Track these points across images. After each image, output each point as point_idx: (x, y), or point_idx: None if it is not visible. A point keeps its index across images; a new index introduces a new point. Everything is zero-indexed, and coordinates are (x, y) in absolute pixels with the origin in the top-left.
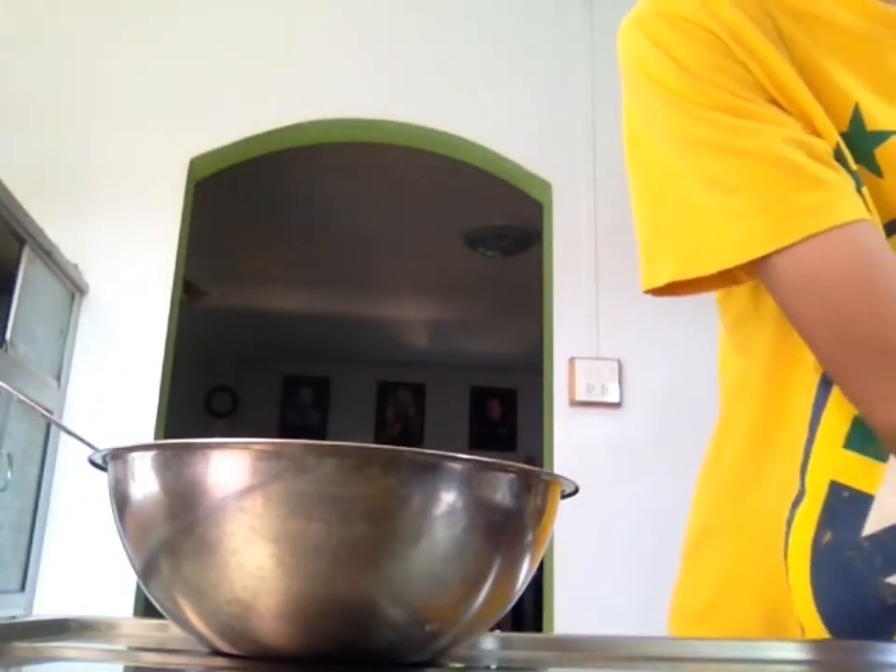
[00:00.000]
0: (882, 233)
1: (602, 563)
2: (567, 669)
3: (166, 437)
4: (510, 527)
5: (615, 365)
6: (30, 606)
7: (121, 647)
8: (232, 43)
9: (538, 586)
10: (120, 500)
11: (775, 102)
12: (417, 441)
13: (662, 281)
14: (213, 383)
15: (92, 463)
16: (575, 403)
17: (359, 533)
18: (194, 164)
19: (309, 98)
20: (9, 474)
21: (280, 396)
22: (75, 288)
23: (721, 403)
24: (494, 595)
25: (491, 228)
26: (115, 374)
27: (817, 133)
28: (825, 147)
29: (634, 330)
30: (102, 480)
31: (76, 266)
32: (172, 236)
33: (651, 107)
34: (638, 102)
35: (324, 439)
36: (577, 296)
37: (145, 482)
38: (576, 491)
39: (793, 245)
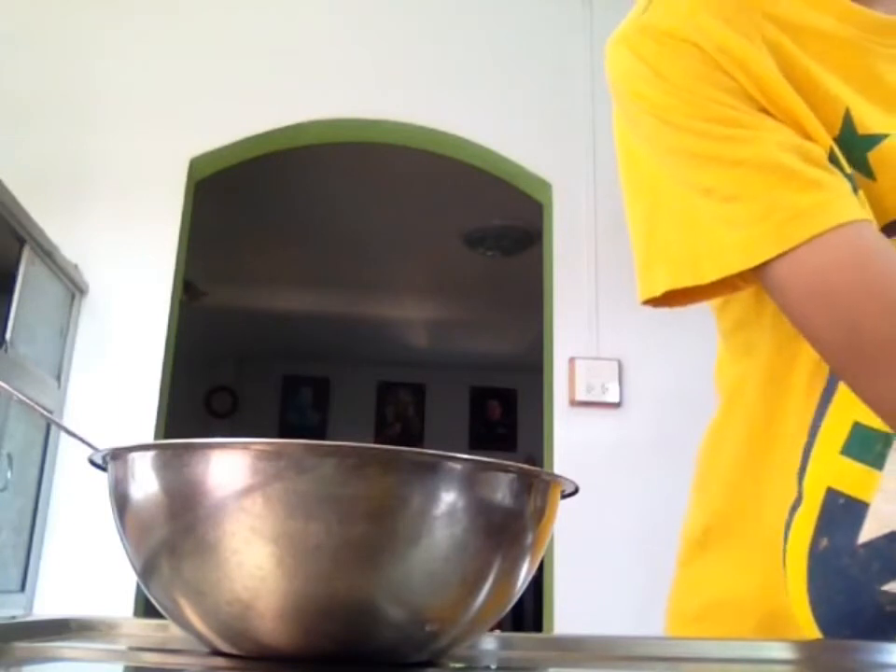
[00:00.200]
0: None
1: (602, 563)
2: (567, 669)
3: (166, 437)
4: (510, 527)
5: (615, 365)
6: (30, 606)
7: (121, 647)
8: (232, 43)
9: (538, 586)
10: (120, 500)
11: (765, 110)
12: (417, 441)
13: (659, 290)
14: (213, 383)
15: (92, 463)
16: (575, 403)
17: (359, 533)
18: (194, 164)
19: (309, 98)
20: (9, 474)
21: (280, 396)
22: (75, 288)
23: (717, 407)
24: (494, 595)
25: (491, 228)
26: (115, 374)
27: (810, 139)
28: (820, 151)
29: (634, 330)
30: (102, 480)
31: (76, 266)
32: (172, 236)
33: (641, 124)
34: (629, 118)
35: (324, 439)
36: (577, 296)
37: (145, 482)
38: (576, 491)
39: (794, 248)
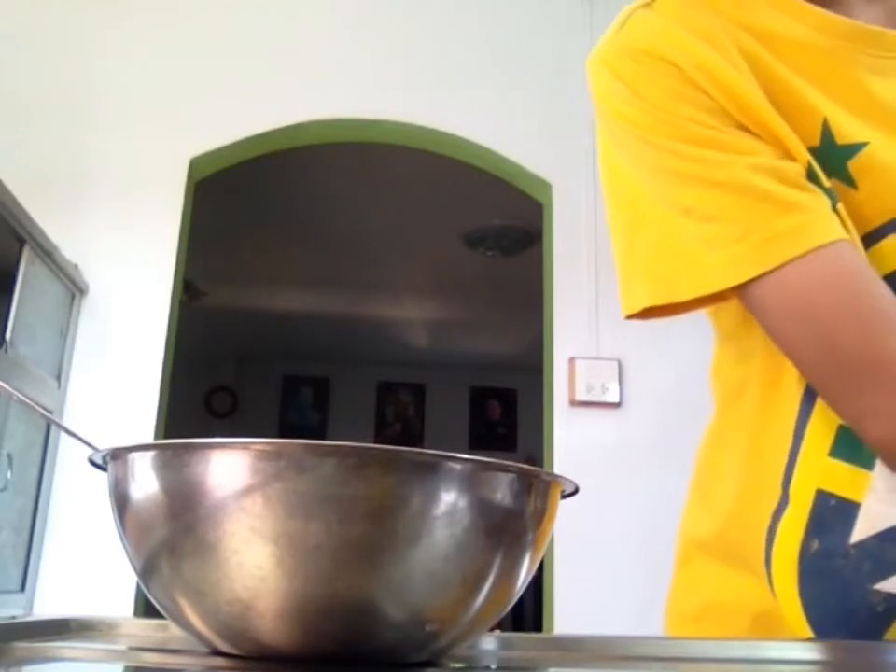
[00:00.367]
0: (861, 251)
1: (602, 563)
2: (567, 669)
3: (166, 437)
4: (510, 527)
5: (615, 365)
6: (30, 606)
7: (121, 647)
8: (232, 43)
9: (538, 586)
10: (120, 500)
11: (743, 126)
12: (417, 441)
13: (638, 307)
14: (213, 383)
15: (92, 463)
16: (575, 403)
17: (359, 533)
18: (194, 164)
19: (309, 98)
20: (9, 474)
21: (280, 396)
22: (75, 288)
23: (714, 410)
24: (494, 595)
25: (491, 228)
26: (115, 374)
27: (788, 153)
28: (796, 169)
29: (634, 330)
30: (102, 480)
31: (76, 266)
32: (172, 236)
33: (621, 142)
34: (612, 136)
35: (324, 439)
36: (577, 296)
37: (145, 482)
38: (576, 491)
39: (773, 270)
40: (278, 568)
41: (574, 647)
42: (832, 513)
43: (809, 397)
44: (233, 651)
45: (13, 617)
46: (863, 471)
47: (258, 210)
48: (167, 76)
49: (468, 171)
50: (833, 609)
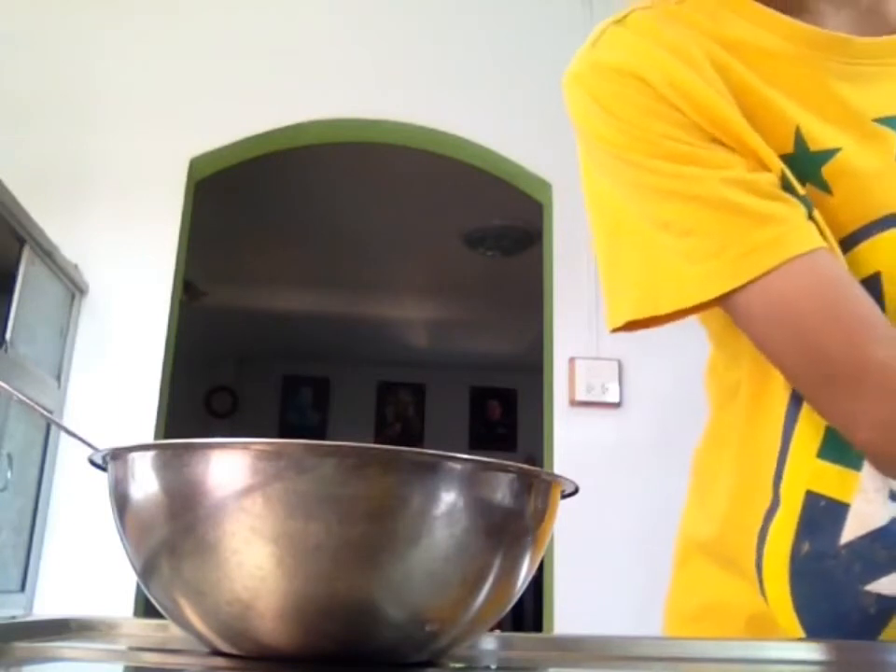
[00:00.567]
0: (840, 257)
1: (602, 563)
2: (567, 669)
3: (166, 437)
4: (510, 528)
5: (615, 365)
6: (30, 606)
7: (121, 647)
8: (232, 43)
9: (538, 586)
10: (120, 500)
11: (716, 140)
12: (417, 441)
13: (621, 321)
14: (213, 383)
15: (92, 463)
16: (575, 403)
17: (359, 533)
18: (194, 164)
19: (309, 98)
20: (9, 474)
21: (280, 396)
22: (75, 288)
23: (710, 413)
24: (494, 595)
25: (491, 228)
26: (115, 374)
27: (762, 164)
28: (769, 180)
29: None
30: (102, 480)
31: (76, 266)
32: (172, 236)
33: (600, 161)
34: (588, 155)
35: (324, 439)
36: (577, 296)
37: (145, 482)
38: (576, 491)
39: (751, 282)
40: (278, 568)
41: (574, 647)
42: (821, 514)
43: (796, 399)
44: (233, 651)
45: (13, 617)
46: (852, 472)
47: (258, 210)
48: (167, 76)
49: (468, 171)
50: (825, 612)
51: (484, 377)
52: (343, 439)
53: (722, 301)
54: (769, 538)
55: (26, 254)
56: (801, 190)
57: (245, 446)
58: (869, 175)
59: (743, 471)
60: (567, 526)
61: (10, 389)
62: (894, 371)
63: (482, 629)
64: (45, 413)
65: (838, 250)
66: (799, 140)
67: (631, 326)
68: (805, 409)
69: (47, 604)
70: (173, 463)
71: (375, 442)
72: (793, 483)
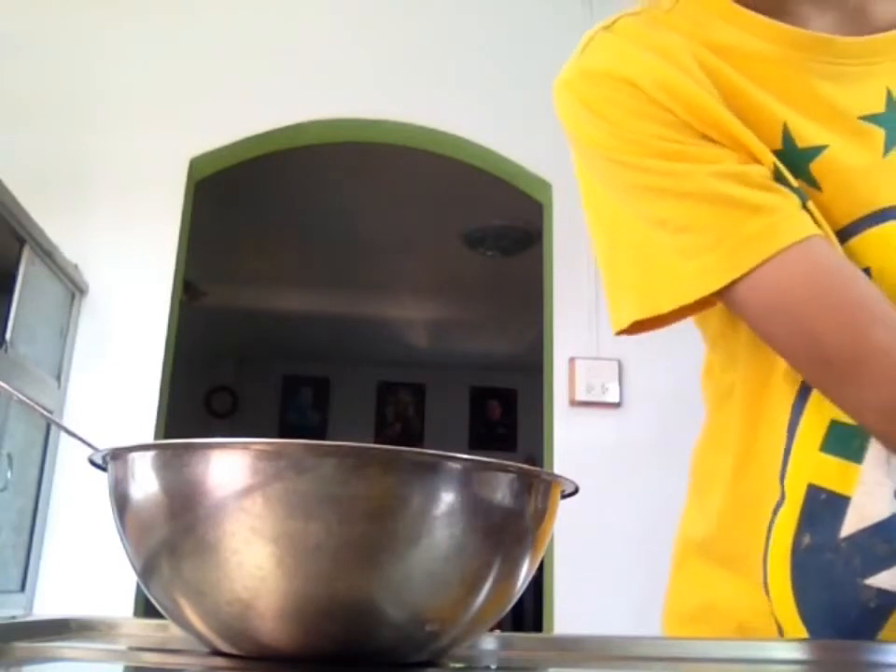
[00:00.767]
0: (836, 244)
1: (602, 563)
2: (567, 669)
3: (166, 437)
4: (510, 527)
5: (615, 365)
6: (30, 606)
7: (121, 647)
8: (232, 43)
9: (538, 586)
10: (120, 500)
11: (707, 137)
12: (417, 441)
13: (625, 322)
14: (213, 383)
15: (92, 463)
16: (575, 403)
17: (359, 533)
18: (194, 164)
19: (309, 98)
20: (9, 474)
21: (280, 396)
22: (75, 288)
23: (707, 413)
24: (494, 595)
25: (491, 228)
26: (115, 374)
27: (753, 158)
28: (761, 171)
29: None
30: (102, 480)
31: (76, 266)
32: (172, 236)
33: (594, 165)
34: (583, 158)
35: (324, 439)
36: (577, 296)
37: (145, 482)
38: (576, 491)
39: (748, 273)
40: (278, 568)
41: (574, 647)
42: (822, 507)
43: (802, 395)
44: (233, 651)
45: (13, 617)
46: (853, 465)
47: (258, 210)
48: (167, 76)
49: (468, 171)
50: (825, 606)
51: (484, 377)
52: (343, 439)
53: (721, 294)
54: (773, 531)
55: (26, 254)
56: (794, 182)
57: (244, 446)
58: (857, 171)
59: (742, 471)
60: (567, 526)
61: (10, 389)
62: (894, 355)
63: (482, 629)
64: (45, 413)
65: (834, 238)
66: (787, 137)
67: (635, 327)
68: (810, 404)
69: (47, 604)
70: (173, 463)
71: (375, 442)
72: (796, 477)
